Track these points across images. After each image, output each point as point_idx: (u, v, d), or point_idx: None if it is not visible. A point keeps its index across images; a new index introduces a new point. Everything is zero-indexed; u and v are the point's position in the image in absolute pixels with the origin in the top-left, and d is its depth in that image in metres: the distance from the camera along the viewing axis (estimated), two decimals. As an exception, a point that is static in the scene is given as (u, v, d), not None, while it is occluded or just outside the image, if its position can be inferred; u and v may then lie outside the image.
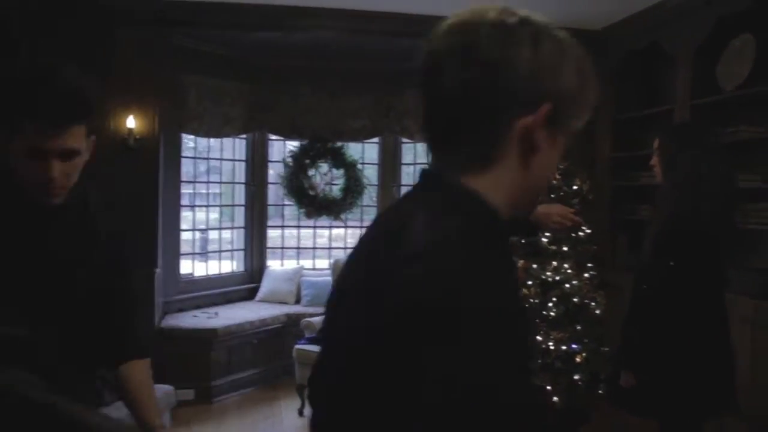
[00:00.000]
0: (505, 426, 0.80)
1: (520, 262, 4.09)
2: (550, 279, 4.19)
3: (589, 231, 4.44)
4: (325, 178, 6.27)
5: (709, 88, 4.32)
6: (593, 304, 4.29)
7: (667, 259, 2.60)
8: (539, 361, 4.15)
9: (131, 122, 4.78)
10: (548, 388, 4.13)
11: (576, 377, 4.19)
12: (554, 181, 4.29)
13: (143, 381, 1.72)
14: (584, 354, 4.21)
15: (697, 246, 2.57)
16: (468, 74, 0.89)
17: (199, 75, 5.60)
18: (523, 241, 4.34)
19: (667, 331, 2.60)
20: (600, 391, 4.10)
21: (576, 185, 4.38)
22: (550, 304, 4.18)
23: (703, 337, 2.62)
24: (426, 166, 0.99)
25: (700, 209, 2.57)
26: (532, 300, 4.15)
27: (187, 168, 6.12)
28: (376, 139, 6.52)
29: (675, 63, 4.63)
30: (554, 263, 4.23)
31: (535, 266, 4.21)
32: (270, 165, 6.57)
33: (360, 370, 0.84)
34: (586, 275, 4.32)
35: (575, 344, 4.17)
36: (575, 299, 4.20)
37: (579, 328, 4.22)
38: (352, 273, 0.96)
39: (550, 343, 4.11)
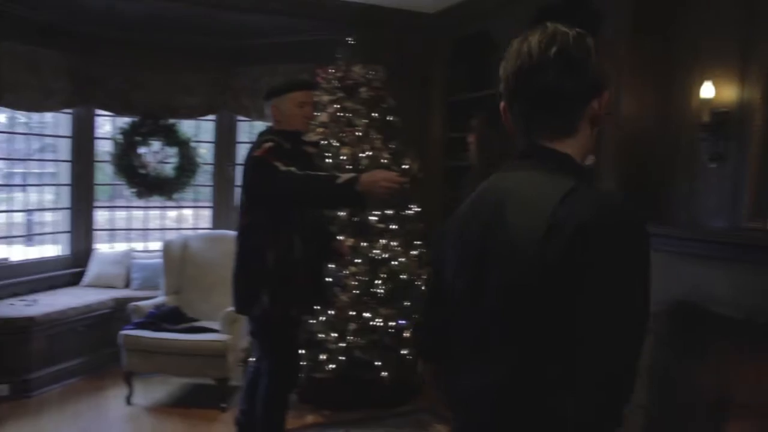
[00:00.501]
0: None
1: (349, 241, 4.13)
2: (378, 257, 4.27)
3: (418, 209, 4.57)
4: (157, 156, 6.00)
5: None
6: (420, 280, 4.43)
7: None
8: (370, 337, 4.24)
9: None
10: (377, 363, 4.23)
11: (404, 352, 4.31)
12: (383, 161, 4.37)
13: None
14: (412, 329, 4.34)
15: None
16: (565, 68, 1.26)
17: (14, 41, 5.15)
18: (355, 219, 4.40)
19: None
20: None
21: (406, 165, 4.49)
22: (378, 282, 4.27)
23: None
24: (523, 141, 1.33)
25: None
26: (360, 278, 4.21)
27: (18, 145, 5.65)
28: (211, 117, 6.33)
29: (501, 50, 4.83)
30: (382, 241, 4.31)
31: (363, 244, 4.27)
32: (98, 142, 6.18)
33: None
34: (414, 252, 4.45)
35: (403, 320, 4.29)
36: (403, 276, 4.32)
37: (407, 304, 4.34)
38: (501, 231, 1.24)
39: (379, 320, 4.20)
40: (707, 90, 3.39)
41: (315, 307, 3.68)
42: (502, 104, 1.38)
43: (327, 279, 4.00)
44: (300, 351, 3.77)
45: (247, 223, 3.25)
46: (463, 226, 1.35)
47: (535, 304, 1.16)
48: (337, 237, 4.02)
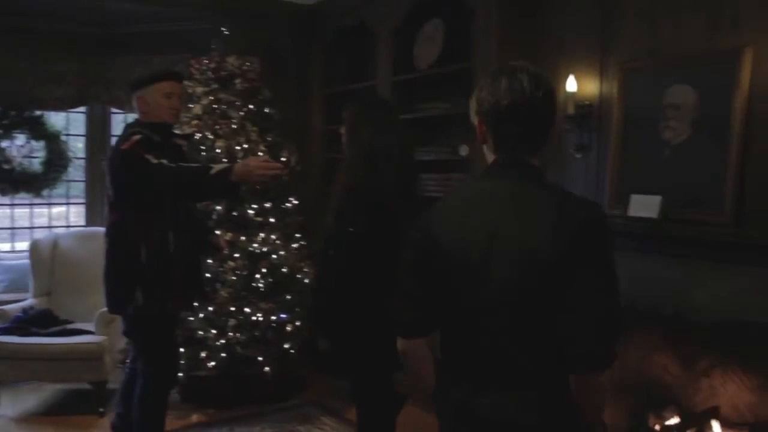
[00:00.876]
0: None
1: (228, 235, 4.06)
2: (257, 251, 4.21)
3: (296, 202, 4.55)
4: (23, 150, 5.66)
5: (407, 67, 4.62)
6: (301, 273, 4.41)
7: (346, 226, 2.72)
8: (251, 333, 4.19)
9: None
10: (259, 359, 4.18)
11: (287, 346, 4.29)
12: (260, 153, 4.31)
13: None
14: (296, 323, 4.32)
15: (374, 214, 2.71)
16: (547, 104, 1.68)
17: None
18: (233, 213, 4.32)
19: (351, 295, 2.72)
20: (303, 356, 4.25)
21: (284, 157, 4.45)
22: (259, 276, 4.22)
23: (384, 298, 2.77)
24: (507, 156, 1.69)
25: (374, 180, 2.71)
26: (239, 272, 4.15)
27: None
28: (82, 108, 6.03)
29: (378, 42, 4.88)
30: (261, 235, 4.26)
31: (242, 238, 4.21)
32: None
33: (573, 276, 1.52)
34: (294, 245, 4.42)
35: (285, 314, 4.26)
36: (284, 269, 4.28)
37: (288, 297, 4.32)
38: (508, 229, 1.60)
39: (259, 315, 4.15)
40: (571, 83, 3.54)
41: (194, 303, 3.56)
42: (477, 120, 1.73)
43: (205, 274, 3.92)
44: (178, 349, 3.69)
45: (116, 219, 3.14)
46: (467, 221, 1.66)
47: (547, 286, 1.55)
48: (215, 231, 3.94)
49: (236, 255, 4.14)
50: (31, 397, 4.63)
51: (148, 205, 3.07)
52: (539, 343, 1.58)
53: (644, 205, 3.09)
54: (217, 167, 3.00)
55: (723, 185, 2.91)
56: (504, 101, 1.66)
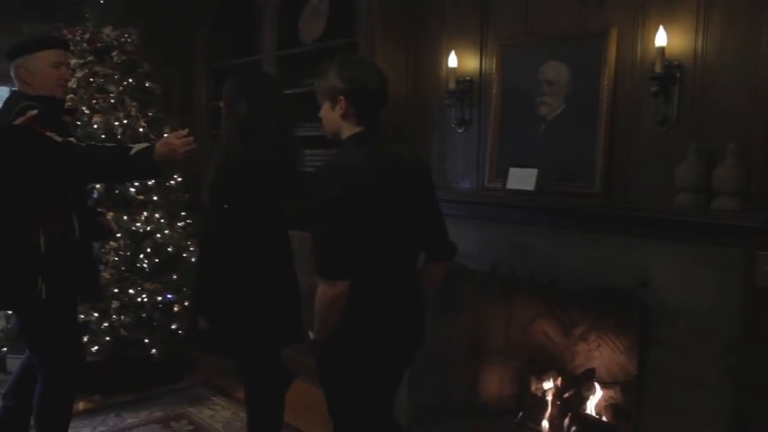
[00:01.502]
0: None
1: (109, 215, 3.90)
2: (141, 230, 4.09)
3: (180, 179, 4.43)
4: None
5: (292, 41, 4.58)
6: (187, 252, 4.32)
7: (222, 202, 2.68)
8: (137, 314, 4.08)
9: None
10: (146, 341, 4.08)
11: (174, 327, 4.20)
12: (140, 129, 4.17)
13: None
14: (184, 303, 4.24)
15: (250, 189, 2.68)
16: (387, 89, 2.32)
17: None
18: (117, 192, 4.17)
19: (232, 272, 2.69)
20: (187, 337, 4.18)
21: (166, 133, 4.31)
22: (143, 256, 4.10)
23: (264, 275, 2.76)
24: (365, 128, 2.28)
25: (250, 154, 2.68)
26: (122, 253, 4.02)
27: None
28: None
29: (263, 15, 4.80)
30: (145, 213, 4.14)
31: (125, 218, 4.07)
32: None
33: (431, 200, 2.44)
34: (180, 224, 4.32)
35: (171, 294, 4.17)
36: (169, 249, 4.18)
37: (175, 277, 4.22)
38: (400, 179, 2.31)
39: (145, 296, 4.04)
40: (452, 59, 3.61)
41: (98, 291, 3.22)
42: (342, 98, 2.22)
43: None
44: (82, 343, 3.37)
45: (7, 204, 2.77)
46: (385, 180, 2.22)
47: (428, 204, 2.43)
48: (100, 211, 3.73)
49: (119, 235, 3.99)
50: None
51: (47, 188, 2.77)
52: (418, 244, 2.41)
53: (522, 179, 3.21)
54: (137, 147, 2.75)
55: (593, 158, 3.06)
56: (372, 85, 2.24)
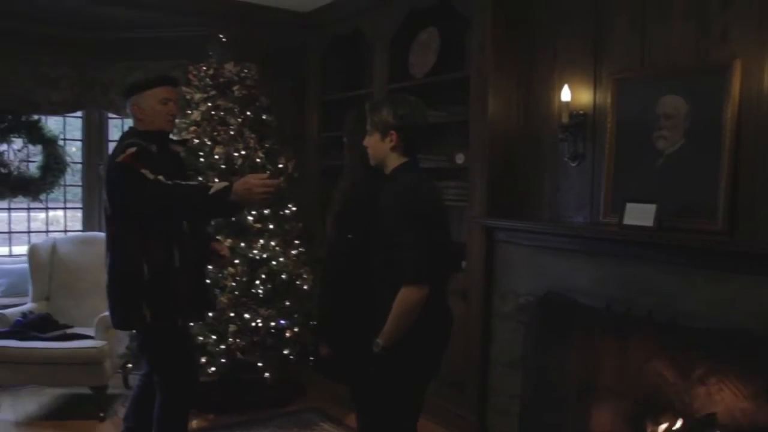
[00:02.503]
0: None
1: (227, 241, 4.09)
2: (257, 257, 4.25)
3: (294, 208, 4.58)
4: (20, 154, 5.68)
5: (402, 75, 4.68)
6: (301, 279, 4.45)
7: (346, 231, 2.77)
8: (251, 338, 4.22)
9: None
10: (259, 364, 4.22)
11: (286, 352, 4.32)
12: (258, 160, 4.35)
13: None
14: (295, 329, 4.36)
15: (371, 221, 2.76)
16: None
17: None
18: (233, 219, 4.36)
19: (350, 301, 2.76)
20: (310, 363, 4.27)
21: (281, 164, 4.48)
22: (258, 282, 4.25)
23: (385, 302, 2.81)
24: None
25: (373, 187, 2.74)
26: (239, 278, 4.18)
27: None
28: (78, 113, 6.05)
29: (374, 50, 4.93)
30: (261, 241, 4.30)
31: (242, 244, 4.24)
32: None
33: None
34: (293, 252, 4.46)
35: (284, 320, 4.30)
36: (283, 276, 4.32)
37: (288, 303, 4.35)
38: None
39: (259, 321, 4.18)
40: (565, 93, 3.59)
41: (205, 314, 3.46)
42: (393, 132, 2.57)
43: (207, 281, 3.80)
44: (194, 362, 3.50)
45: (114, 232, 3.02)
46: (434, 200, 2.63)
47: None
48: (216, 237, 3.93)
49: (236, 261, 4.17)
50: (32, 401, 4.66)
51: (148, 220, 2.96)
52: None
53: (639, 214, 3.14)
54: (216, 186, 2.89)
55: (716, 194, 2.96)
56: (419, 123, 2.61)
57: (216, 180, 4.17)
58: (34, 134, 5.69)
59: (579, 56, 3.67)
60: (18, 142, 5.68)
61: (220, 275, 4.22)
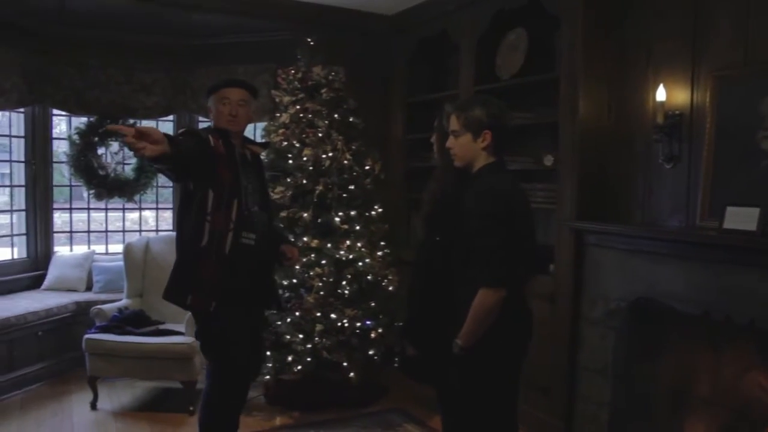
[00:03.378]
0: None
1: (314, 242, 4.15)
2: (343, 258, 4.29)
3: (380, 210, 4.60)
4: (116, 157, 5.93)
5: (489, 77, 4.64)
6: (386, 280, 4.47)
7: (434, 234, 2.76)
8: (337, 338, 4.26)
9: None
10: (344, 364, 4.26)
11: (371, 352, 4.35)
12: (345, 162, 4.39)
13: None
14: (379, 330, 4.38)
15: (462, 222, 2.73)
16: None
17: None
18: (319, 220, 4.42)
19: (437, 303, 2.75)
20: (395, 365, 4.29)
21: (368, 165, 4.52)
22: (344, 283, 4.30)
23: (462, 305, 2.79)
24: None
25: (460, 188, 2.72)
26: (326, 279, 4.23)
27: None
28: (171, 117, 6.28)
29: (460, 52, 4.91)
30: (347, 242, 4.34)
31: (329, 245, 4.29)
32: (55, 143, 6.09)
33: None
34: (379, 253, 4.48)
35: (369, 320, 4.33)
36: (369, 277, 4.35)
37: (373, 304, 4.38)
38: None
39: (345, 321, 4.22)
40: (660, 93, 3.49)
41: (258, 309, 3.47)
42: (487, 132, 2.56)
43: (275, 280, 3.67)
44: (247, 358, 3.26)
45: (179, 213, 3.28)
46: (520, 201, 2.58)
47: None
48: (290, 240, 3.94)
49: (323, 262, 4.23)
50: (127, 393, 4.86)
51: (187, 198, 3.16)
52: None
53: (741, 218, 3.02)
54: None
55: (825, 198, 2.83)
56: (509, 122, 2.67)
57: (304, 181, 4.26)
58: (131, 138, 5.91)
59: (675, 54, 3.56)
60: (115, 146, 5.93)
61: (306, 275, 4.28)
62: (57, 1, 4.96)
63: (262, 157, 3.60)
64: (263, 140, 4.39)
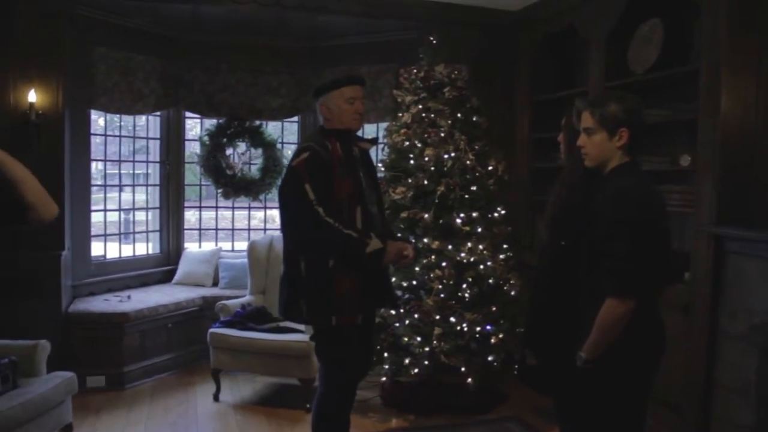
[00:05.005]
0: None
1: (434, 243, 4.06)
2: (464, 260, 4.18)
3: (503, 212, 4.46)
4: (243, 157, 6.12)
5: (620, 72, 4.39)
6: (508, 285, 4.32)
7: (559, 239, 2.61)
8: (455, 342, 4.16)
9: (32, 96, 4.53)
10: (462, 369, 4.15)
11: (490, 358, 4.22)
12: (468, 162, 4.28)
13: None
14: (500, 335, 4.24)
15: (584, 225, 2.56)
16: None
17: (108, 48, 5.36)
18: (441, 221, 4.34)
19: (559, 311, 2.60)
20: (515, 372, 4.13)
21: (491, 166, 4.39)
22: (465, 286, 4.19)
23: (587, 315, 2.62)
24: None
25: (589, 190, 2.55)
26: (446, 281, 4.14)
27: (114, 148, 5.87)
28: (295, 118, 6.40)
29: (589, 46, 4.69)
30: (469, 244, 4.22)
31: (450, 247, 4.20)
32: (188, 144, 6.38)
33: None
34: (501, 256, 4.34)
35: (490, 325, 4.20)
36: (490, 280, 4.21)
37: (494, 309, 4.24)
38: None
39: (464, 325, 4.11)
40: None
41: (375, 308, 3.39)
42: (624, 129, 2.38)
43: (391, 280, 3.58)
44: (355, 369, 3.21)
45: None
46: (656, 205, 2.40)
47: None
48: (396, 238, 3.51)
49: (443, 264, 4.14)
50: (247, 387, 4.98)
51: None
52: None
53: None
54: (373, 245, 2.93)
55: None
56: (644, 119, 2.45)
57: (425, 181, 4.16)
58: (256, 139, 6.11)
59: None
60: (242, 146, 6.12)
61: (426, 277, 4.21)
62: (190, 8, 5.17)
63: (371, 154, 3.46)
64: (375, 138, 4.24)
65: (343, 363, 3.11)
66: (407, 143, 4.45)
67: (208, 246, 6.47)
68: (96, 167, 6.28)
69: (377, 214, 3.21)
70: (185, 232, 6.35)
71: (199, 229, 6.66)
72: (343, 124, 3.09)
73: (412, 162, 4.40)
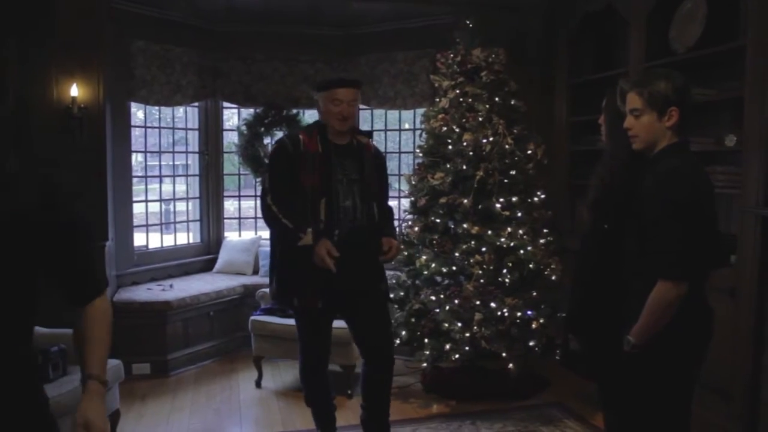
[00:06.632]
0: None
1: (474, 228, 4.04)
2: (504, 245, 4.15)
3: (543, 196, 4.41)
4: (281, 146, 6.15)
5: (662, 51, 4.29)
6: (549, 270, 4.27)
7: (602, 222, 2.56)
8: (496, 328, 4.14)
9: (74, 91, 4.61)
10: (503, 354, 4.13)
11: (532, 343, 4.19)
12: (506, 146, 4.24)
13: (95, 322, 1.75)
14: (541, 320, 4.21)
15: (631, 211, 2.51)
16: None
17: (146, 41, 5.42)
18: (480, 207, 4.31)
19: (605, 295, 2.56)
20: (557, 357, 4.10)
21: (530, 150, 4.34)
22: (505, 271, 4.16)
23: (634, 299, 2.57)
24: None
25: (635, 175, 2.50)
26: (486, 267, 4.11)
27: (154, 140, 6.02)
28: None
29: (629, 26, 4.59)
30: (509, 229, 4.18)
31: (489, 232, 4.17)
32: (226, 134, 6.43)
33: None
34: (541, 241, 4.29)
35: (530, 310, 4.16)
36: (531, 265, 4.18)
37: (535, 294, 4.21)
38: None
39: (505, 310, 4.09)
40: None
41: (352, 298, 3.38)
42: (674, 109, 2.31)
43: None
44: (318, 347, 3.45)
45: None
46: (705, 186, 2.32)
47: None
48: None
49: (483, 249, 4.11)
50: (288, 373, 5.03)
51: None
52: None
53: None
54: (305, 240, 3.04)
55: None
56: (692, 98, 2.38)
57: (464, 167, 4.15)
58: (293, 127, 6.12)
59: None
60: (279, 135, 6.13)
61: (466, 263, 4.19)
62: (225, 0, 5.20)
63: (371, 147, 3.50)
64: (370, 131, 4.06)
65: (302, 343, 3.45)
66: (445, 128, 4.42)
67: (248, 235, 6.53)
68: (136, 159, 6.36)
69: (358, 208, 3.25)
70: (225, 221, 6.42)
71: (239, 218, 6.73)
72: (327, 123, 3.22)
73: (450, 147, 4.38)
